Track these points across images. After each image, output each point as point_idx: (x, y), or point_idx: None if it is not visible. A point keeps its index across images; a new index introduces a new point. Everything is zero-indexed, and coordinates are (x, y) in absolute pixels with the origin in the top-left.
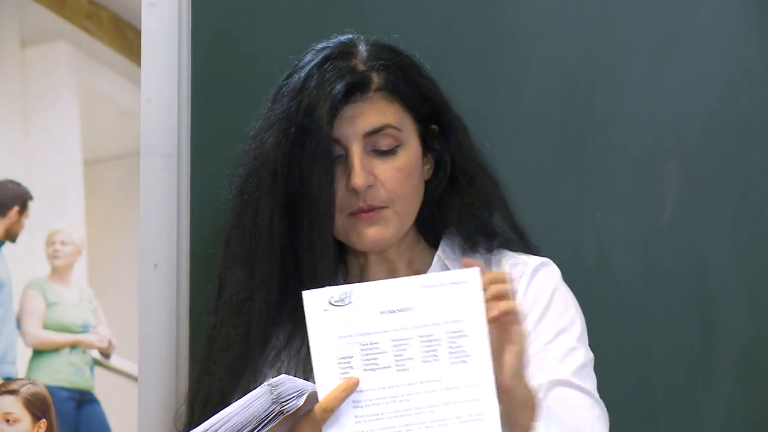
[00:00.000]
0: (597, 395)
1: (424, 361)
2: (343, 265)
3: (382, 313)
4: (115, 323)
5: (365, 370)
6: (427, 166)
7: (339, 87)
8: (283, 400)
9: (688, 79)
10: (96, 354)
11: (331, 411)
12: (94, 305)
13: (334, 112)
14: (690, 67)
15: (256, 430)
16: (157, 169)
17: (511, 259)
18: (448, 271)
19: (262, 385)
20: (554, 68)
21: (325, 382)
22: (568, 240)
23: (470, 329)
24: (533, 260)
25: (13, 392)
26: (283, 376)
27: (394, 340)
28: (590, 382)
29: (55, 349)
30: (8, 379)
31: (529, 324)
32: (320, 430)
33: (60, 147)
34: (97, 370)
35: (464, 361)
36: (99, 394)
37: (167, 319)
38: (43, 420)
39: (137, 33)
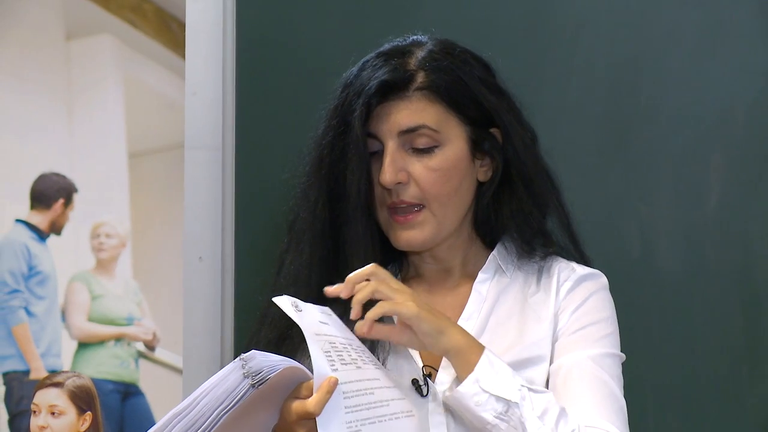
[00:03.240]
0: (620, 391)
1: (362, 362)
2: (399, 262)
3: (320, 322)
4: (160, 316)
5: (342, 364)
6: (484, 168)
7: (374, 83)
8: (254, 373)
9: (733, 72)
10: (141, 346)
11: (318, 413)
12: (139, 298)
13: (366, 108)
14: (734, 60)
15: (232, 404)
16: (202, 162)
17: (561, 263)
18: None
19: (235, 360)
20: (599, 61)
21: (321, 372)
22: (612, 232)
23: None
24: (582, 269)
25: (58, 385)
26: (254, 351)
27: (333, 343)
28: (614, 372)
29: (100, 342)
30: (53, 372)
31: (563, 319)
32: (313, 421)
33: (105, 140)
34: (142, 362)
35: (373, 367)
36: (144, 386)
37: (212, 311)
38: (89, 412)
39: (182, 26)
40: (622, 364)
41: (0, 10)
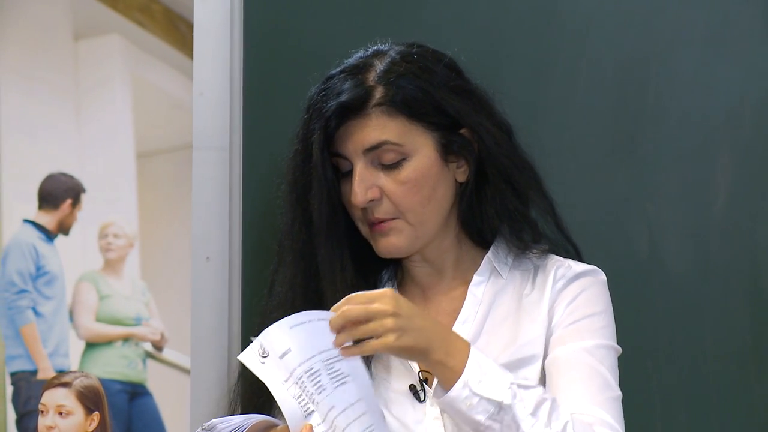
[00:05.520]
0: (615, 382)
1: (319, 393)
2: (393, 268)
3: (280, 358)
4: (168, 316)
5: (315, 402)
6: (462, 169)
7: (331, 106)
8: None
9: (740, 72)
10: (148, 347)
11: None
12: (147, 298)
13: (324, 133)
14: (742, 60)
15: None
16: (210, 162)
17: (557, 262)
18: (311, 311)
19: (197, 430)
20: (606, 61)
21: (295, 422)
22: (619, 233)
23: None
24: (578, 266)
25: (66, 385)
26: (214, 419)
27: (300, 378)
28: (609, 363)
29: (108, 342)
30: (61, 372)
31: (557, 313)
32: None
33: (112, 140)
34: (150, 362)
35: (345, 382)
36: (151, 386)
37: (219, 311)
38: (96, 413)
39: (190, 26)
40: (631, 362)
41: (8, 10)
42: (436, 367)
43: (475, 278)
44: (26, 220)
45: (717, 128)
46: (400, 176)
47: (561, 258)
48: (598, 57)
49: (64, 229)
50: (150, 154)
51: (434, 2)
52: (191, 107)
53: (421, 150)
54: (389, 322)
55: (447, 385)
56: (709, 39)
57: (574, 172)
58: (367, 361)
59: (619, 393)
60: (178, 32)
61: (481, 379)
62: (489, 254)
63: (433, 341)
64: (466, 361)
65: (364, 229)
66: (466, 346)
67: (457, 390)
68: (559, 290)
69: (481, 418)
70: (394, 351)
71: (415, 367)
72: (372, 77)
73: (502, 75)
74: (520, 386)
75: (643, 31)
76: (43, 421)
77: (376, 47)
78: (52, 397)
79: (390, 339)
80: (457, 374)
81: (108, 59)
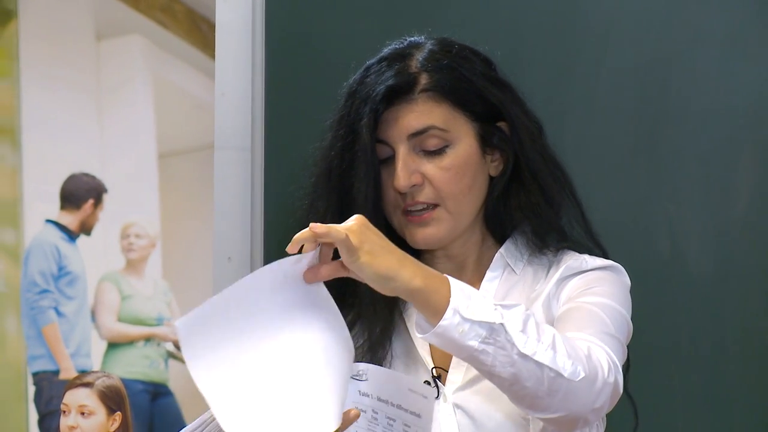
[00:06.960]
0: (614, 327)
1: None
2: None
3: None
4: None
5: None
6: (495, 163)
7: (379, 90)
8: None
9: (762, 72)
10: (170, 347)
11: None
12: (169, 298)
13: (374, 115)
14: (763, 60)
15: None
16: (231, 162)
17: (574, 255)
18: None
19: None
20: (627, 61)
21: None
22: (641, 233)
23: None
24: (595, 260)
25: (88, 385)
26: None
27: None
28: (613, 317)
29: (130, 342)
30: (83, 372)
31: (566, 292)
32: None
33: (134, 140)
34: (172, 362)
35: None
36: (173, 386)
37: None
38: (118, 413)
39: (212, 26)
40: (653, 363)
41: (31, 10)
42: (418, 294)
43: (488, 274)
44: (48, 221)
45: (738, 128)
46: (443, 163)
47: (577, 253)
48: (618, 58)
49: (86, 229)
50: (172, 154)
51: (455, 4)
52: (213, 107)
53: (464, 138)
54: (356, 223)
55: (435, 312)
56: (729, 39)
57: (595, 172)
58: (385, 358)
59: (620, 337)
60: (200, 32)
61: (468, 304)
62: (502, 250)
63: (399, 266)
64: (449, 289)
65: (397, 219)
66: (440, 274)
67: (449, 318)
68: (567, 278)
69: (474, 343)
70: (361, 239)
71: (430, 362)
72: (414, 65)
73: (523, 76)
74: (503, 306)
75: (663, 31)
76: (65, 421)
77: (411, 39)
78: (74, 397)
79: (354, 228)
80: (444, 301)
81: (130, 59)
